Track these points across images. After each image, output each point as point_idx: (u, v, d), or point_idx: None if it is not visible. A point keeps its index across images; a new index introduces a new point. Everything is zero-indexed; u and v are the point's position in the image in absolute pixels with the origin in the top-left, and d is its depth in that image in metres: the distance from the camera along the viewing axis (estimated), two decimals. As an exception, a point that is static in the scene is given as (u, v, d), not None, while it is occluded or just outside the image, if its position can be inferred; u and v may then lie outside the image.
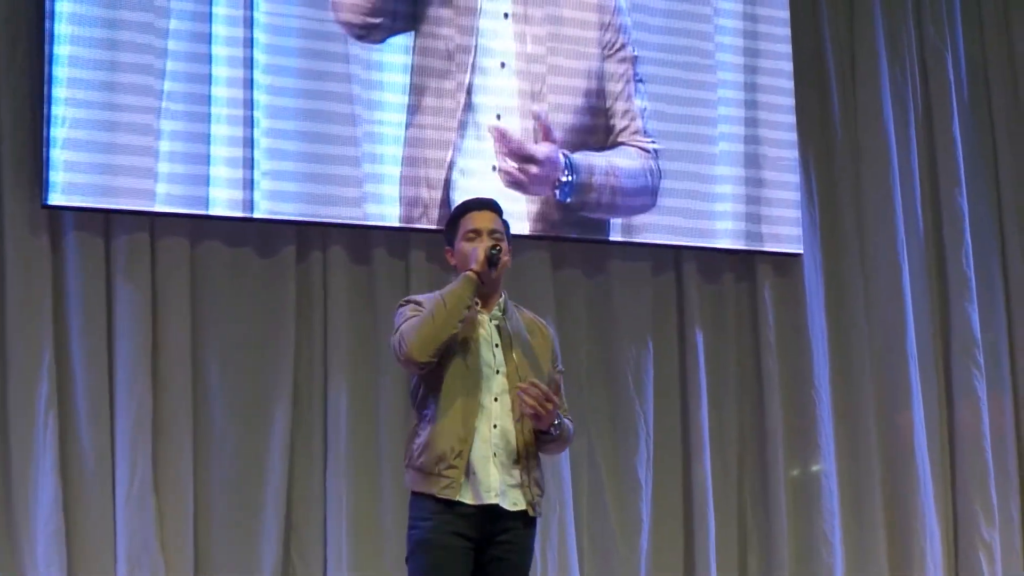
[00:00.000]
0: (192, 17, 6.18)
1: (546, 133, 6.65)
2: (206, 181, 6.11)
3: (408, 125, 6.47)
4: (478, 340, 4.27)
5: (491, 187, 6.42)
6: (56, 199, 5.91)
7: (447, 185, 6.49)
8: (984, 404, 7.51)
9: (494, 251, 4.25)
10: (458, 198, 6.23)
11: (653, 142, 6.89)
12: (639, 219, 6.86)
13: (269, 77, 6.26)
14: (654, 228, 6.88)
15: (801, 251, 7.22)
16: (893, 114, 7.59)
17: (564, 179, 6.64)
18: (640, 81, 6.90)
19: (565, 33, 6.79)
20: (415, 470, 4.21)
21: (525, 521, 4.24)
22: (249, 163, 6.19)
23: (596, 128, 6.81)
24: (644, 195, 6.86)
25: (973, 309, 7.58)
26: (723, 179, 7.07)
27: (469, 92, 6.58)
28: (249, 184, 6.18)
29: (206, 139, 6.13)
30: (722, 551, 6.90)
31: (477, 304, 4.28)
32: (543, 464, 4.36)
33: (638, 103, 6.89)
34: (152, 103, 6.05)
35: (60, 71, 5.93)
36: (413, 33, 6.52)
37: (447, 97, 6.53)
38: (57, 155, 5.89)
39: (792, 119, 7.26)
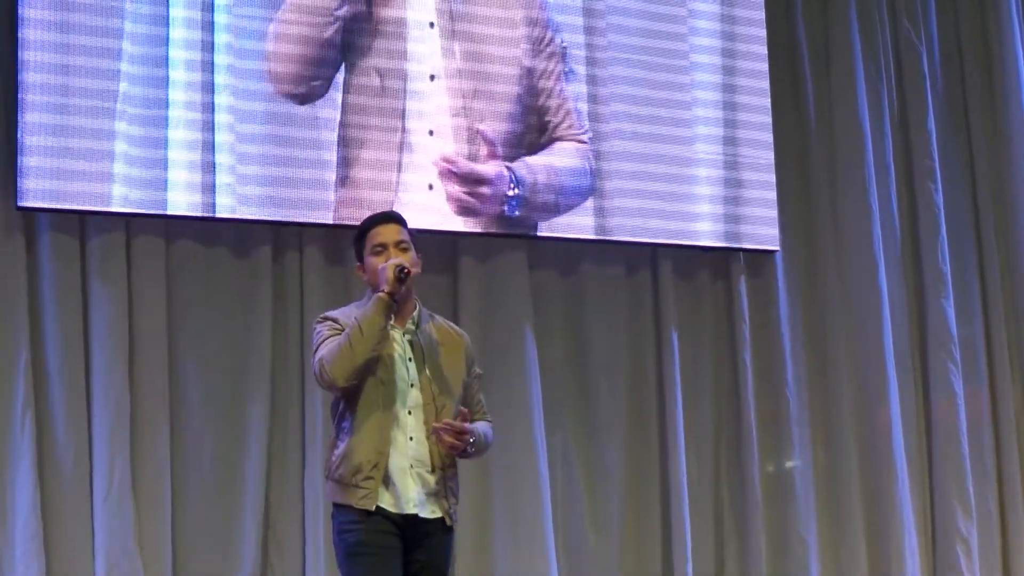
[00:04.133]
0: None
1: (491, 150, 6.62)
2: (165, 184, 6.10)
3: (345, 159, 6.39)
4: (392, 356, 4.35)
5: (433, 207, 6.47)
6: (30, 201, 5.90)
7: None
8: (961, 399, 7.53)
9: (402, 273, 4.30)
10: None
11: (586, 132, 6.84)
12: (616, 220, 6.86)
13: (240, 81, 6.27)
14: (631, 228, 6.89)
15: (777, 248, 7.24)
16: (868, 110, 7.61)
17: (511, 194, 6.62)
18: (570, 72, 6.86)
19: (492, 34, 6.71)
20: (334, 482, 4.33)
21: (443, 528, 4.37)
22: (211, 167, 6.17)
23: (529, 128, 6.75)
24: (582, 192, 6.82)
25: (949, 304, 7.60)
26: (701, 180, 7.07)
27: (403, 114, 6.49)
28: (211, 188, 6.16)
29: (164, 142, 6.11)
30: (699, 547, 6.92)
31: (391, 320, 4.36)
32: (459, 472, 4.48)
33: (571, 95, 6.84)
34: (108, 105, 6.01)
35: (28, 76, 5.92)
36: (343, 68, 6.44)
37: (386, 130, 6.45)
38: (28, 158, 5.88)
39: (769, 118, 7.27)
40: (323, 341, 4.37)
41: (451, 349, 4.49)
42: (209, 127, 6.18)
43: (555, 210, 6.75)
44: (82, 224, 6.11)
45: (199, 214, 6.17)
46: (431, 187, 6.51)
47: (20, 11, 5.94)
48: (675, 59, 7.11)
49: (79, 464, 5.97)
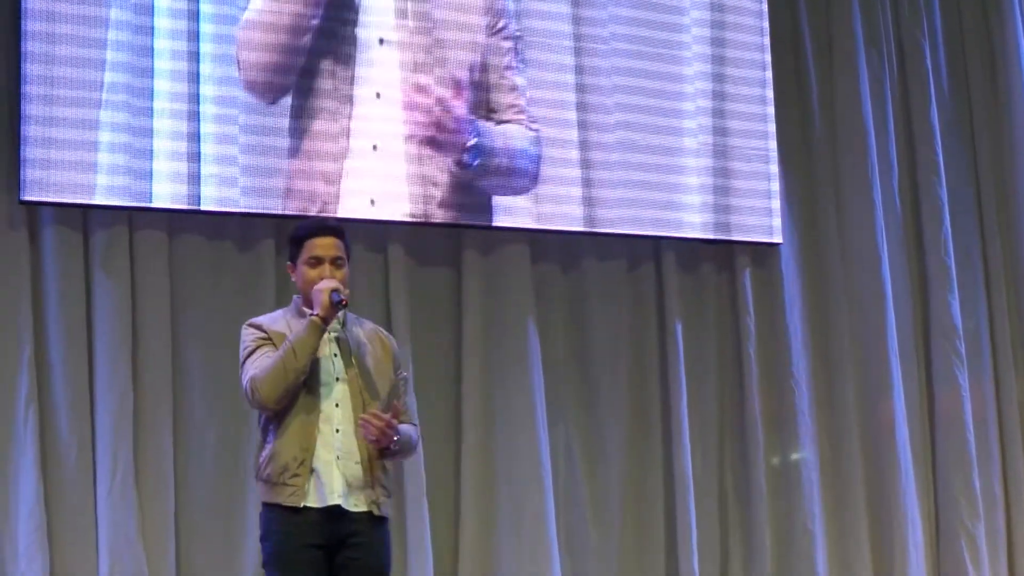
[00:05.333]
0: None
1: (457, 90, 6.62)
2: (149, 175, 6.11)
3: (296, 119, 6.40)
4: (317, 355, 4.37)
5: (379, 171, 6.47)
6: (32, 194, 5.91)
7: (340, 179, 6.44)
8: (965, 392, 7.53)
9: (339, 303, 4.32)
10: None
11: (535, 121, 6.81)
12: (615, 212, 6.86)
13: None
14: (629, 220, 6.89)
15: (780, 241, 7.24)
16: (871, 102, 7.61)
17: (471, 143, 6.61)
18: (523, 62, 6.83)
19: (447, 17, 6.67)
20: (263, 482, 4.36)
21: (372, 522, 4.36)
22: (196, 157, 6.17)
23: (479, 104, 6.72)
24: (529, 175, 6.78)
25: (953, 297, 7.59)
26: (692, 170, 7.06)
27: (353, 75, 6.49)
28: (196, 178, 6.17)
29: (150, 132, 6.12)
30: (703, 540, 6.91)
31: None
32: (394, 467, 4.54)
33: (520, 82, 6.82)
34: (94, 95, 6.03)
35: (32, 68, 5.94)
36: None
37: (335, 98, 6.46)
38: (30, 150, 5.90)
39: (765, 109, 7.28)
40: (250, 354, 4.42)
41: (378, 350, 4.51)
42: (195, 117, 6.18)
43: (507, 176, 6.69)
44: (85, 218, 6.12)
45: (184, 206, 6.16)
46: (375, 148, 6.48)
47: (24, 3, 5.96)
48: (667, 48, 7.10)
49: (82, 457, 5.98)
